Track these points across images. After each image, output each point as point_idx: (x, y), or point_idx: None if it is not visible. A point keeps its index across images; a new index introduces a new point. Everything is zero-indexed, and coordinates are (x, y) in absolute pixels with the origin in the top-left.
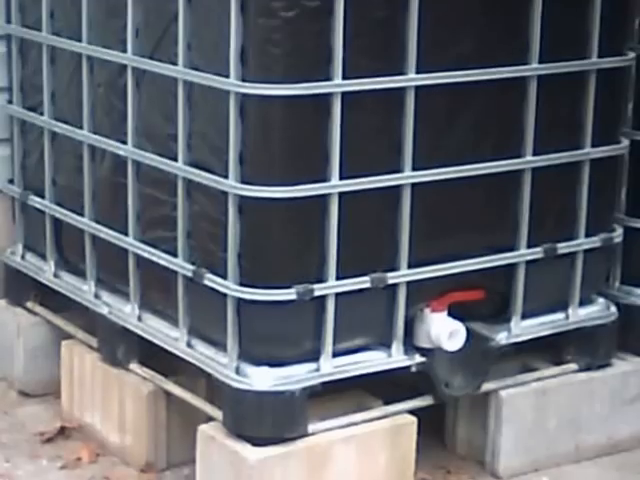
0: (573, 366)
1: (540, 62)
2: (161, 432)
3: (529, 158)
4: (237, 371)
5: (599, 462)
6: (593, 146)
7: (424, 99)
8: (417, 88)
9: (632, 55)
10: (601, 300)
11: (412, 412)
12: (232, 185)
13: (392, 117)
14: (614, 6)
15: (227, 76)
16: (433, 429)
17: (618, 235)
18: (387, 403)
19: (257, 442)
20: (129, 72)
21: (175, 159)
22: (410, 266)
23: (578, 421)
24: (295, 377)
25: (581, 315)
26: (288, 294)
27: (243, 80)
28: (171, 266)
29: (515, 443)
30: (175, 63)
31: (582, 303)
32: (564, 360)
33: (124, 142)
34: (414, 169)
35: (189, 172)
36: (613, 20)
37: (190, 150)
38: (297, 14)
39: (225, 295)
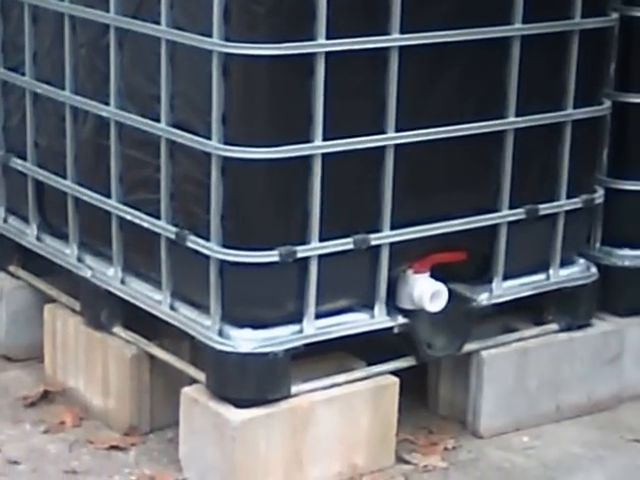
0: (554, 326)
1: (523, 22)
2: (145, 395)
3: (512, 119)
4: (220, 333)
5: (579, 421)
6: (575, 107)
7: (408, 59)
8: (401, 48)
9: (615, 16)
10: (582, 261)
11: (395, 373)
12: (215, 146)
13: (376, 78)
14: None
15: (210, 35)
16: (416, 390)
17: (599, 196)
18: (370, 364)
19: (240, 404)
20: (112, 32)
21: (158, 120)
22: (393, 227)
23: (558, 381)
24: (278, 339)
25: (562, 276)
26: (271, 256)
27: (226, 40)
28: (154, 228)
29: (496, 403)
30: (158, 22)
31: (563, 264)
32: (545, 320)
33: (107, 103)
34: (397, 130)
35: (172, 133)
36: None
37: (173, 111)
38: None
39: (208, 257)
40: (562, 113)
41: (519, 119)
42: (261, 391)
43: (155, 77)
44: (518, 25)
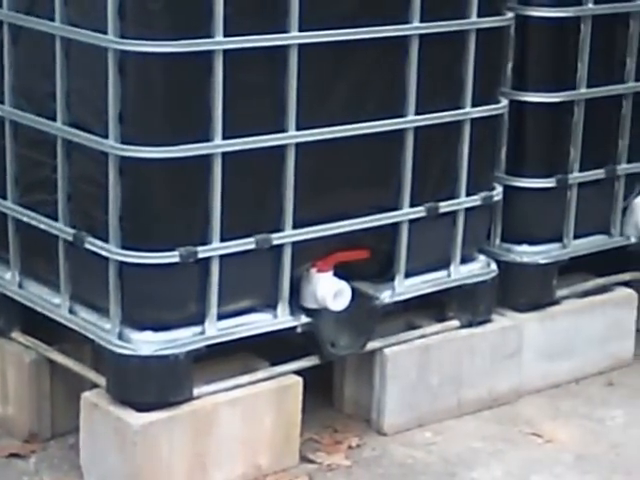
0: (455, 323)
1: (421, 21)
2: (45, 401)
3: (411, 117)
4: (120, 336)
5: (480, 416)
6: (473, 106)
7: (307, 57)
8: (300, 46)
9: (510, 15)
10: (482, 257)
11: (300, 373)
12: (112, 145)
13: (275, 76)
14: None
15: (105, 32)
16: (321, 389)
17: (498, 193)
18: (273, 364)
19: (141, 408)
20: (5, 28)
21: (54, 119)
22: (295, 226)
23: (460, 376)
24: (180, 341)
25: (463, 272)
26: (171, 257)
27: (122, 37)
28: (51, 230)
29: (399, 400)
30: (52, 19)
31: (464, 261)
32: (446, 317)
33: (1, 102)
34: (298, 128)
35: (68, 132)
36: None
37: (69, 110)
38: None
39: (107, 259)
40: (460, 112)
41: (419, 117)
42: (162, 394)
43: (50, 75)
44: (416, 24)
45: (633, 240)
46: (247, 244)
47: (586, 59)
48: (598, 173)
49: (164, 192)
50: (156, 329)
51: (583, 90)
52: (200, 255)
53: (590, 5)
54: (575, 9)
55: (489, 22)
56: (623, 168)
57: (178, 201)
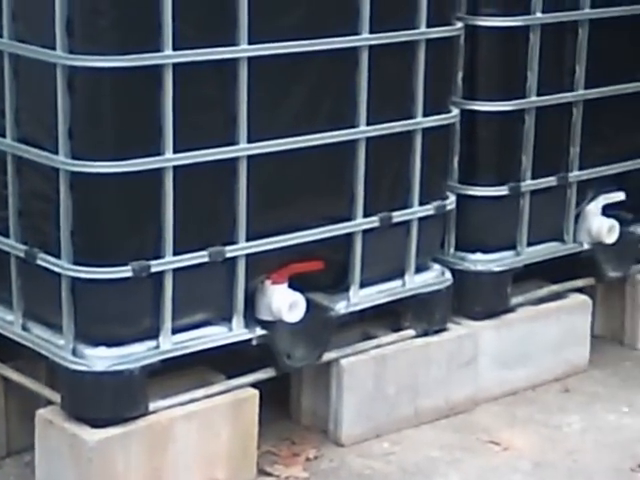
0: (411, 332)
1: (371, 32)
2: (0, 419)
3: (363, 128)
4: (74, 352)
5: (437, 425)
6: (425, 115)
7: (257, 70)
8: (250, 59)
9: (460, 25)
10: (436, 266)
11: (257, 385)
12: (62, 161)
13: (226, 89)
14: None
15: (54, 48)
16: (279, 401)
17: (451, 203)
18: (230, 377)
19: (97, 424)
20: None
21: (4, 135)
22: (249, 239)
23: (416, 386)
24: (134, 356)
25: (417, 282)
26: (124, 271)
27: (70, 52)
28: (3, 247)
29: (357, 411)
30: (1, 35)
31: (418, 270)
32: (402, 327)
33: None
34: (250, 141)
35: (18, 149)
36: None
37: (19, 126)
38: None
39: (59, 275)
40: (412, 122)
41: (370, 128)
42: (117, 410)
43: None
44: (366, 35)
45: (586, 246)
46: (200, 257)
47: (536, 68)
48: (550, 180)
49: (115, 207)
50: (110, 344)
51: (533, 98)
52: (153, 269)
53: (538, 14)
54: (524, 18)
55: (438, 32)
56: (575, 175)
57: (130, 215)
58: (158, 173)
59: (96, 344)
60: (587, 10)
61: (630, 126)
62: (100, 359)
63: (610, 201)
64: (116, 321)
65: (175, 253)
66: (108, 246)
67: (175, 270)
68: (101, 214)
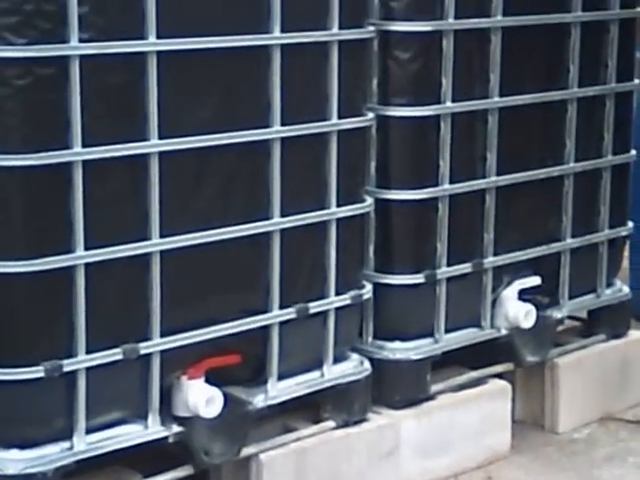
0: (331, 423)
1: (282, 124)
2: None
3: (276, 220)
4: None
5: None
6: (339, 205)
7: (169, 164)
8: (161, 154)
9: (371, 115)
10: (355, 356)
11: None
12: None
13: (137, 184)
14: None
15: None
16: None
17: (368, 291)
18: (146, 477)
19: None
20: None
21: None
22: (163, 335)
23: (338, 478)
24: (47, 458)
25: (336, 372)
26: (35, 372)
27: None
28: None
29: None
30: None
31: (337, 360)
32: (322, 418)
33: None
34: (162, 236)
35: None
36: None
37: None
38: (31, 82)
39: None
40: (326, 212)
41: (284, 219)
42: None
43: None
44: (277, 127)
45: (504, 332)
46: (114, 355)
47: (447, 156)
48: (465, 267)
49: (26, 306)
50: (22, 447)
51: (446, 186)
52: (66, 369)
53: (448, 103)
54: (434, 108)
55: (350, 123)
56: (490, 261)
57: (41, 315)
58: (70, 271)
59: (8, 447)
60: (496, 99)
61: (543, 211)
62: (12, 462)
63: (526, 286)
64: (28, 422)
65: (88, 351)
66: (19, 346)
67: (88, 369)
68: (11, 313)
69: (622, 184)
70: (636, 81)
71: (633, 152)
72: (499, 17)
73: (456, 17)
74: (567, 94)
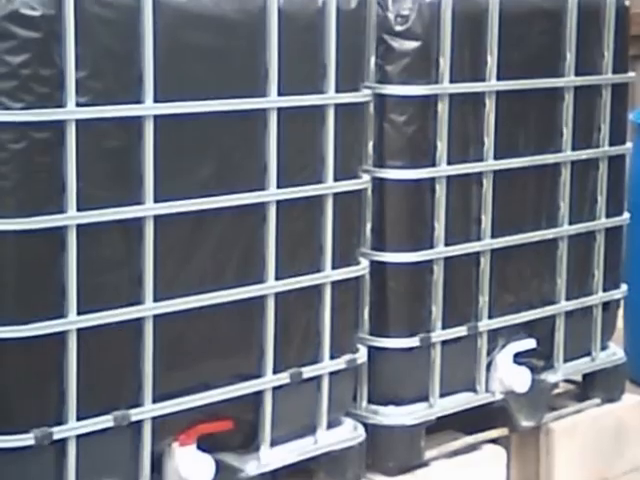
0: None
1: (278, 187)
2: None
3: (271, 283)
4: None
5: None
6: (333, 268)
7: (164, 228)
8: (156, 217)
9: (367, 178)
10: (349, 421)
11: None
12: None
13: (131, 247)
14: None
15: None
16: None
17: (362, 355)
18: None
19: None
20: None
21: None
22: (155, 401)
23: None
24: None
25: (329, 439)
26: (25, 439)
27: None
28: None
29: None
30: None
31: (330, 426)
32: None
33: None
34: (155, 299)
35: None
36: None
37: None
38: (27, 146)
39: None
40: (320, 275)
41: (279, 283)
42: None
43: None
44: (273, 190)
45: (498, 396)
46: (105, 422)
47: (442, 218)
48: (460, 330)
49: (16, 372)
50: None
51: (441, 249)
52: (56, 436)
53: (444, 166)
54: (429, 170)
55: (346, 186)
56: (485, 324)
57: (31, 381)
58: (61, 336)
59: None
60: (491, 161)
61: (537, 274)
62: None
63: (521, 349)
64: None
65: (79, 418)
66: (8, 413)
67: (79, 436)
68: (1, 379)
69: (616, 247)
70: (628, 144)
71: (626, 215)
72: (493, 81)
73: (451, 81)
74: (561, 157)
